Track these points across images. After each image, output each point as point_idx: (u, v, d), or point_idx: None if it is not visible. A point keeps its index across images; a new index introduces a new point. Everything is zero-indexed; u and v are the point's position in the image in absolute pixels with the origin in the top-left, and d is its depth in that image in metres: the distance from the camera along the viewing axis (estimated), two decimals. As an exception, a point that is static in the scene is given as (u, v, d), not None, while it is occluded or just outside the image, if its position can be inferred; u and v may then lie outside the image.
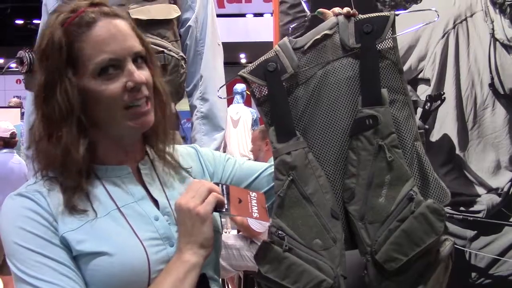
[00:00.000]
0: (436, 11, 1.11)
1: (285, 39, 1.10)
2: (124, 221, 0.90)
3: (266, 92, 1.08)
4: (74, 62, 0.88)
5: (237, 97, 5.70)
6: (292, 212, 1.02)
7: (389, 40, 1.06)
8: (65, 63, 0.87)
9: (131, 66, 0.89)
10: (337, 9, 1.09)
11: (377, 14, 1.08)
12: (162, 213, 0.93)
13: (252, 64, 1.10)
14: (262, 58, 1.09)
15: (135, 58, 0.90)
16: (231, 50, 8.97)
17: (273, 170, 1.07)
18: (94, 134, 0.91)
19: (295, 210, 1.01)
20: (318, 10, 1.12)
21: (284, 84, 1.08)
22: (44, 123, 0.89)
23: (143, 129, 0.93)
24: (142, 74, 0.90)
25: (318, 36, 1.08)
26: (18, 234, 0.85)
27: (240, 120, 5.73)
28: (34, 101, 0.91)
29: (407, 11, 1.21)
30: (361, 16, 1.08)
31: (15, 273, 0.85)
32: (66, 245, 0.86)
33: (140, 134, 0.95)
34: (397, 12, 1.08)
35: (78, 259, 0.86)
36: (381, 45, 1.06)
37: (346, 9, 1.08)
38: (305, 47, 1.08)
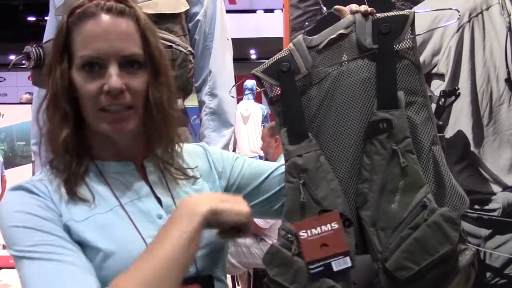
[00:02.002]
0: (457, 10, 1.08)
1: (300, 37, 1.07)
2: (127, 218, 0.88)
3: (279, 92, 1.06)
4: (68, 51, 0.88)
5: (247, 91, 5.68)
6: (302, 216, 0.99)
7: (408, 40, 1.02)
8: (62, 50, 0.88)
9: (113, 69, 0.86)
10: (354, 7, 1.06)
11: (395, 13, 1.04)
12: (166, 211, 0.91)
13: (266, 62, 1.07)
14: (276, 57, 1.06)
15: (128, 62, 0.87)
16: (241, 46, 8.96)
17: (283, 169, 1.05)
18: (88, 127, 0.91)
19: (306, 214, 0.99)
20: (335, 7, 1.08)
21: (297, 84, 1.05)
22: (46, 106, 0.91)
23: (118, 134, 0.90)
24: (125, 81, 0.86)
25: (334, 36, 1.05)
26: (15, 217, 0.83)
27: (250, 116, 5.71)
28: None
29: (427, 10, 1.18)
30: (379, 15, 1.04)
31: (14, 255, 0.82)
32: (67, 232, 0.85)
33: (129, 136, 0.92)
34: (417, 11, 1.04)
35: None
36: (399, 45, 1.02)
37: (363, 7, 1.05)
38: (320, 46, 1.05)
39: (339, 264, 0.95)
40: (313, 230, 0.97)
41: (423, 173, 1.00)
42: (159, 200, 0.93)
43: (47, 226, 0.83)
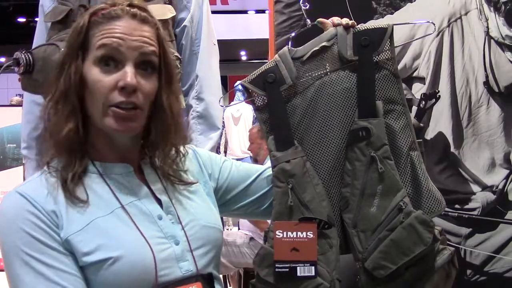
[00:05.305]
0: (433, 23, 1.14)
1: (285, 49, 1.13)
2: (129, 219, 0.90)
3: (265, 101, 1.11)
4: (85, 47, 0.90)
5: (238, 94, 5.70)
6: (290, 219, 1.04)
7: (387, 51, 1.08)
8: (79, 47, 0.90)
9: (129, 67, 0.89)
10: (336, 20, 1.11)
11: (375, 26, 1.10)
12: (166, 212, 0.94)
13: (253, 72, 1.13)
14: (263, 68, 1.12)
15: (143, 63, 0.90)
16: (232, 47, 8.97)
17: (270, 172, 1.10)
18: (91, 126, 0.92)
19: (293, 216, 1.04)
20: (318, 20, 1.14)
21: (282, 94, 1.10)
22: (51, 101, 0.92)
23: (123, 133, 0.91)
24: (139, 80, 0.89)
25: (317, 48, 1.11)
26: (20, 236, 0.85)
27: (241, 117, 5.74)
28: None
29: (405, 23, 1.24)
30: (359, 28, 1.10)
31: (9, 275, 0.84)
32: (69, 250, 0.86)
33: (130, 137, 0.95)
34: (395, 24, 1.10)
35: (85, 268, 0.86)
36: (378, 56, 1.08)
37: (345, 20, 1.10)
38: (304, 58, 1.11)
39: (304, 270, 1.00)
40: (289, 233, 1.01)
41: (400, 177, 1.06)
42: (158, 201, 0.95)
43: (47, 253, 0.84)
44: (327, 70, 1.10)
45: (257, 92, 1.11)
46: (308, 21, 1.34)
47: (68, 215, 0.87)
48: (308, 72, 1.11)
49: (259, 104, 1.12)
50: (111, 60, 0.89)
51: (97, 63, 0.89)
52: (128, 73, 0.88)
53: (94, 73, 0.89)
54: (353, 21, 1.11)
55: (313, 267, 1.00)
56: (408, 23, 1.24)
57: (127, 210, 0.90)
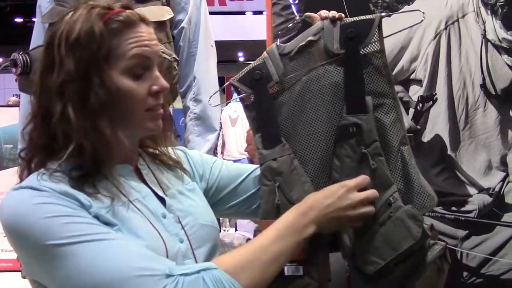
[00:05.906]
0: (422, 12, 1.09)
1: (274, 45, 1.11)
2: (140, 213, 0.90)
3: (253, 100, 1.10)
4: (109, 56, 0.89)
5: (235, 95, 5.71)
6: (278, 217, 1.02)
7: (376, 43, 1.04)
8: (103, 55, 0.88)
9: (156, 71, 0.92)
10: (323, 13, 1.08)
11: (362, 17, 1.06)
12: (168, 210, 0.95)
13: (242, 71, 1.12)
14: (251, 65, 1.11)
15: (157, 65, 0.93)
16: (230, 48, 8.97)
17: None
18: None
19: (280, 215, 1.02)
20: (306, 14, 1.11)
21: (269, 91, 1.09)
22: (78, 113, 0.86)
23: (157, 132, 0.95)
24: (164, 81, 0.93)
25: (303, 43, 1.08)
26: (41, 210, 0.81)
27: (239, 118, 5.74)
28: (57, 89, 0.87)
29: (393, 13, 1.20)
30: (346, 20, 1.06)
31: (56, 244, 0.79)
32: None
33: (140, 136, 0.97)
34: (383, 14, 1.06)
35: None
36: (366, 49, 1.04)
37: (332, 13, 1.07)
38: (291, 54, 1.09)
39: (292, 270, 0.99)
40: None
41: (391, 172, 1.02)
42: (160, 200, 0.96)
43: (79, 213, 0.82)
44: (315, 65, 1.07)
45: (244, 90, 1.11)
46: (297, 15, 1.33)
47: (92, 203, 0.85)
48: (296, 67, 1.09)
49: (248, 102, 1.11)
50: (141, 68, 0.90)
51: (126, 72, 0.89)
52: (160, 78, 0.92)
53: (126, 82, 0.89)
54: (340, 13, 1.07)
55: (300, 267, 0.99)
56: (397, 13, 1.21)
57: (136, 205, 0.91)
